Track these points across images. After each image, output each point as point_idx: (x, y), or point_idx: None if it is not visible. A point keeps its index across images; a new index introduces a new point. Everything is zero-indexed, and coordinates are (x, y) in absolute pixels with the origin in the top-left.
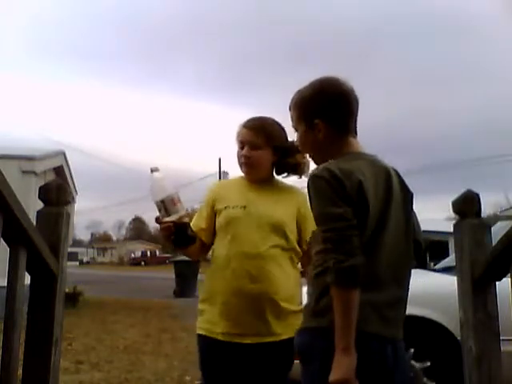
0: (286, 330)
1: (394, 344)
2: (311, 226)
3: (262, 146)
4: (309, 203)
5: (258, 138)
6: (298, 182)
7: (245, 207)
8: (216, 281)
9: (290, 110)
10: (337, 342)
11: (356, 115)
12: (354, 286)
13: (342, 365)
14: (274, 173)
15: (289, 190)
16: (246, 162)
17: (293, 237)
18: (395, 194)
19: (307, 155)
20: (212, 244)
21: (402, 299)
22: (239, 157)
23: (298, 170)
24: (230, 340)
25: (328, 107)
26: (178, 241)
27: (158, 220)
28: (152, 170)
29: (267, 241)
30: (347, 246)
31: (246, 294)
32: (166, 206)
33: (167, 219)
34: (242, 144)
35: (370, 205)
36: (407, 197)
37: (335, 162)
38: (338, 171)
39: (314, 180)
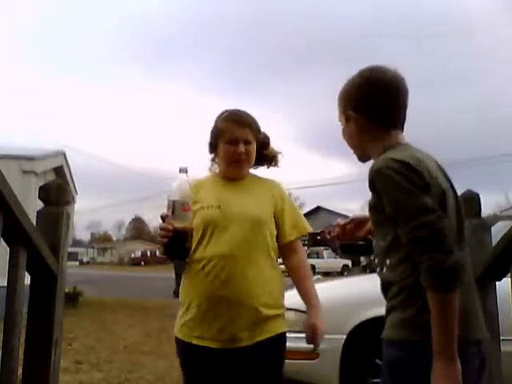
0: (260, 333)
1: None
2: (289, 218)
3: (252, 141)
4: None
5: (250, 134)
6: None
7: (219, 207)
8: (191, 284)
9: (337, 99)
10: (438, 350)
11: (403, 107)
12: (455, 288)
13: (450, 374)
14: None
15: (263, 183)
16: (244, 159)
17: (270, 234)
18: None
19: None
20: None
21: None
22: (232, 155)
23: (274, 161)
24: (202, 344)
25: (367, 98)
26: (171, 249)
27: (162, 217)
28: (180, 170)
29: (243, 241)
30: (443, 242)
31: (220, 298)
32: (175, 207)
33: (171, 221)
34: (236, 141)
35: (446, 193)
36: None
37: (392, 152)
38: (407, 159)
39: (381, 173)
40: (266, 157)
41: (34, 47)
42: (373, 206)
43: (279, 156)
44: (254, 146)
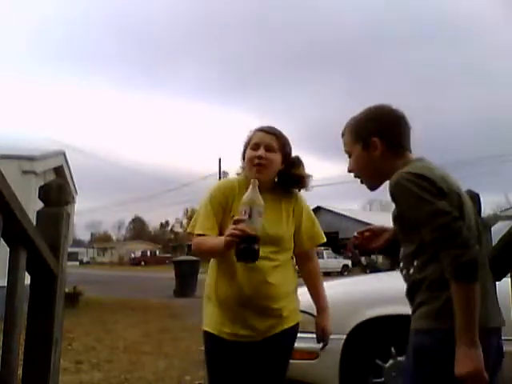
0: (279, 327)
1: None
2: (307, 230)
3: (276, 150)
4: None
5: (273, 141)
6: None
7: None
8: (222, 286)
9: (342, 136)
10: (461, 335)
11: (409, 137)
12: (475, 279)
13: (472, 357)
14: (277, 183)
15: (287, 195)
16: (260, 163)
17: (291, 246)
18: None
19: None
20: None
21: None
22: (252, 158)
23: (301, 182)
24: (235, 339)
25: (384, 126)
26: (242, 251)
27: (238, 220)
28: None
29: (270, 254)
30: (459, 239)
31: (250, 304)
32: (252, 211)
33: (247, 225)
34: (258, 146)
35: (462, 196)
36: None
37: (407, 167)
38: (419, 170)
39: (397, 185)
40: (294, 176)
41: (34, 47)
42: (397, 216)
43: (309, 178)
44: (277, 156)
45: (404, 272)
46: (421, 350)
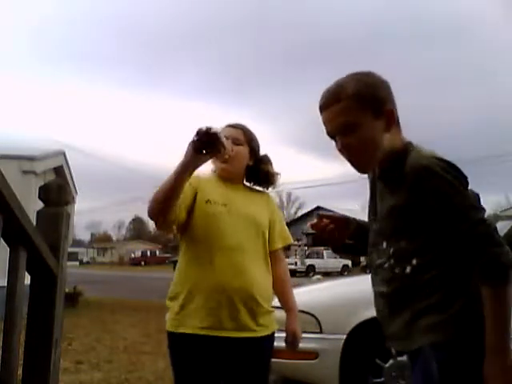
0: (261, 328)
1: None
2: (278, 229)
3: (243, 143)
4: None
5: (240, 135)
6: None
7: (225, 205)
8: (196, 275)
9: (337, 101)
10: (494, 345)
11: None
12: (509, 280)
13: (506, 370)
14: (247, 179)
15: (259, 193)
16: (230, 155)
17: (266, 240)
18: None
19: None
20: (172, 222)
21: None
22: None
23: (269, 179)
24: (208, 334)
25: (391, 96)
26: (204, 142)
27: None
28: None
29: (248, 239)
30: (498, 236)
31: (228, 289)
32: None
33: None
34: (226, 138)
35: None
36: None
37: (424, 150)
38: (446, 159)
39: (430, 171)
40: (263, 172)
41: (34, 47)
42: (404, 206)
43: (277, 176)
44: (244, 149)
45: (396, 270)
46: (445, 365)
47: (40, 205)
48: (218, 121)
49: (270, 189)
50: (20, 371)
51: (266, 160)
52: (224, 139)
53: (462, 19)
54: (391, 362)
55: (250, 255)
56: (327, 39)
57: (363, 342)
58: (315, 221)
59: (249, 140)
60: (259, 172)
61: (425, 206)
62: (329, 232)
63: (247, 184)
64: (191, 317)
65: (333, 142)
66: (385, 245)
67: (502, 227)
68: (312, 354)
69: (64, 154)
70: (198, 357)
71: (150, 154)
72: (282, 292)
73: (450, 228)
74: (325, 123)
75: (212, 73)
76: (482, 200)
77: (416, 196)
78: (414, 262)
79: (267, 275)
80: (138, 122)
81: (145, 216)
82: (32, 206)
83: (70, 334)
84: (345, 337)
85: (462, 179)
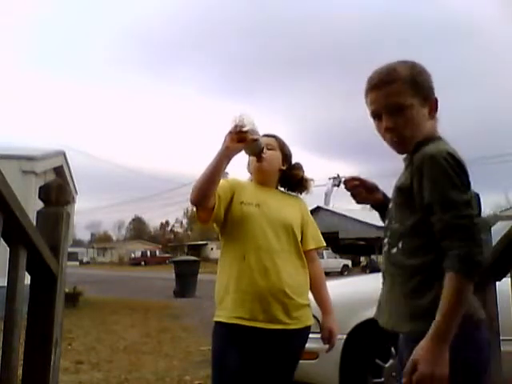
0: (293, 322)
1: None
2: (310, 231)
3: (276, 148)
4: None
5: (272, 142)
6: None
7: (258, 206)
8: (231, 270)
9: (390, 83)
10: (440, 331)
11: None
12: (474, 280)
13: (442, 359)
14: (280, 184)
15: (292, 197)
16: (264, 158)
17: (299, 239)
18: None
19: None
20: (211, 212)
21: None
22: (252, 158)
23: (302, 185)
24: (240, 323)
25: (433, 88)
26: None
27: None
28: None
29: (279, 239)
30: (479, 237)
31: (259, 285)
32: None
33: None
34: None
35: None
36: None
37: (444, 144)
38: (457, 155)
39: (434, 160)
40: (296, 177)
41: (35, 48)
42: (403, 188)
43: (310, 182)
44: (277, 153)
45: (386, 247)
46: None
47: (40, 205)
48: (219, 120)
49: (303, 194)
50: (20, 371)
51: (298, 166)
52: (257, 134)
53: (461, 19)
54: (391, 362)
55: (280, 254)
56: (328, 39)
57: (363, 342)
58: (348, 178)
59: (281, 146)
60: (292, 177)
61: (419, 192)
62: (358, 189)
63: (281, 189)
64: (227, 309)
65: (333, 142)
66: (387, 224)
67: (502, 227)
68: (312, 354)
69: (64, 154)
70: (234, 345)
71: (150, 154)
72: (317, 291)
73: (437, 216)
74: (372, 103)
75: (212, 73)
76: (481, 200)
77: (414, 180)
78: (400, 245)
79: (301, 271)
80: (138, 122)
81: (145, 216)
82: (32, 206)
83: (70, 334)
84: (345, 337)
85: (465, 180)
